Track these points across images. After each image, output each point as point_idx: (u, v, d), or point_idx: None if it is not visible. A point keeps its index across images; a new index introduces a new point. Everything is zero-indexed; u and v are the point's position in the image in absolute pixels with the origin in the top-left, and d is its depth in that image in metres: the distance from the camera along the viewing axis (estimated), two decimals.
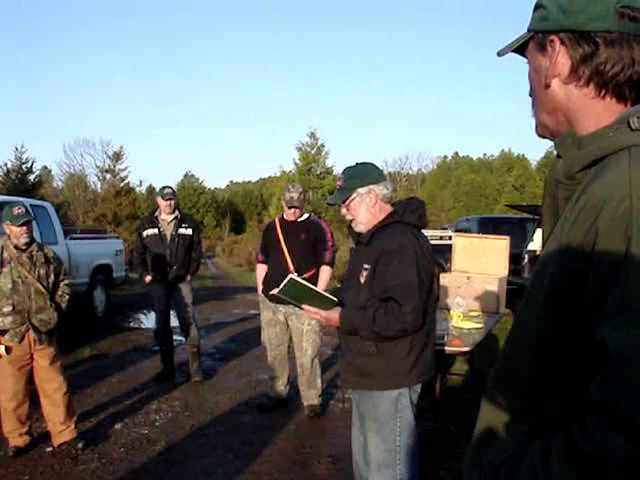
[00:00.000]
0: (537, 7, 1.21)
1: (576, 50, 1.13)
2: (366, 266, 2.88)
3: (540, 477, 0.97)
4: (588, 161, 1.09)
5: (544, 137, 1.27)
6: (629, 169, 0.98)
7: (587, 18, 1.11)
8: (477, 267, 6.47)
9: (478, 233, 12.17)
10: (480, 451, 1.17)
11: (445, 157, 72.73)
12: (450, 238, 12.91)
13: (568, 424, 0.97)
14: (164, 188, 6.66)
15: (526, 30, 1.23)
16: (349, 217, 3.05)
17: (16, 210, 4.42)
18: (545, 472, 0.96)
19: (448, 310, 5.62)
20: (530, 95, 1.27)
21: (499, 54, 1.28)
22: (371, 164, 3.11)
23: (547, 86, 1.18)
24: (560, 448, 0.96)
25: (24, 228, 4.44)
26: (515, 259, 10.08)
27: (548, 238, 1.14)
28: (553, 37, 1.15)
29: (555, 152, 1.20)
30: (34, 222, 4.82)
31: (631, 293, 0.91)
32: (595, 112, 1.14)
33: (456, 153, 72.54)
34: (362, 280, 2.88)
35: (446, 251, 9.52)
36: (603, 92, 1.13)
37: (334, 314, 2.89)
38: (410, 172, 70.63)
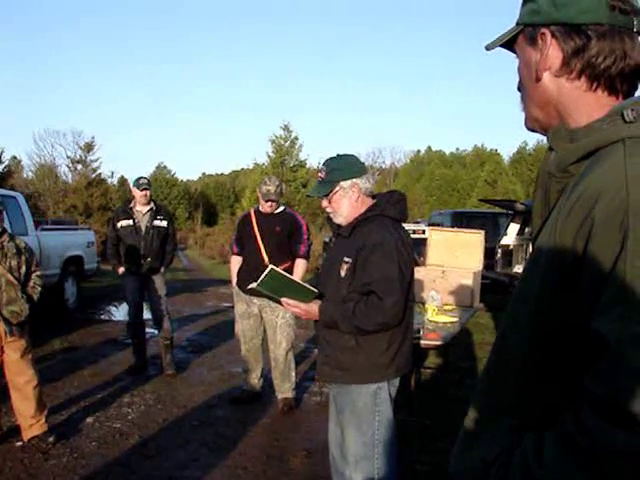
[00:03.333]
0: (526, 0, 1.20)
1: (567, 43, 1.12)
2: (347, 259, 2.85)
3: (533, 470, 0.96)
4: (582, 153, 1.09)
5: (534, 131, 1.26)
6: (624, 160, 0.98)
7: (578, 11, 1.11)
8: (452, 261, 6.49)
9: (451, 227, 12.23)
10: (469, 448, 1.16)
11: (418, 151, 73.14)
12: (423, 232, 13.01)
13: (561, 417, 0.97)
14: (139, 179, 6.58)
15: (515, 24, 1.22)
16: (330, 210, 3.01)
17: None
18: (538, 465, 0.96)
19: (423, 304, 5.62)
20: (519, 89, 1.27)
21: (487, 48, 1.26)
22: (353, 156, 3.06)
23: (538, 79, 1.18)
24: (554, 440, 0.96)
25: None
26: (488, 253, 10.14)
27: (540, 230, 1.14)
28: (544, 30, 1.15)
29: (547, 145, 1.19)
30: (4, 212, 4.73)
31: (629, 284, 0.91)
32: (586, 105, 1.14)
33: (429, 147, 72.95)
34: (343, 273, 2.85)
35: (419, 245, 9.54)
36: (595, 85, 1.13)
37: (314, 307, 2.87)
38: (383, 166, 71.05)
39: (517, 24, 1.22)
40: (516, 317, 1.13)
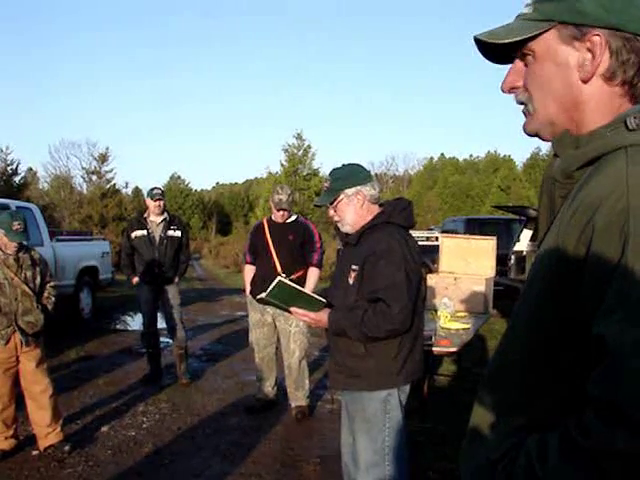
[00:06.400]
0: None
1: (617, 49, 1.10)
2: (354, 267, 2.88)
3: (537, 471, 0.97)
4: (585, 160, 1.09)
5: (535, 136, 1.22)
6: (626, 168, 0.99)
7: (628, 19, 1.09)
8: (464, 268, 6.48)
9: (464, 234, 12.19)
10: (475, 448, 1.17)
11: (431, 158, 72.94)
12: (436, 239, 12.98)
13: (564, 419, 0.98)
14: (153, 189, 6.63)
15: (534, 19, 1.15)
16: (336, 218, 3.05)
17: (16, 225, 4.35)
18: (542, 467, 0.97)
19: (435, 311, 5.62)
20: (525, 89, 1.20)
21: (498, 42, 1.17)
22: (358, 165, 3.11)
23: (584, 81, 1.13)
24: (557, 443, 0.96)
25: (16, 244, 4.43)
26: (501, 260, 10.11)
27: (544, 236, 1.15)
28: (598, 32, 1.10)
29: (553, 151, 1.19)
30: None
31: (629, 289, 0.92)
32: (621, 111, 1.12)
33: (442, 154, 72.72)
34: (350, 281, 2.88)
35: (433, 252, 9.53)
36: (633, 93, 1.12)
37: (323, 315, 2.89)
38: (396, 173, 71.04)
39: (546, 20, 1.14)
40: (519, 319, 1.14)
